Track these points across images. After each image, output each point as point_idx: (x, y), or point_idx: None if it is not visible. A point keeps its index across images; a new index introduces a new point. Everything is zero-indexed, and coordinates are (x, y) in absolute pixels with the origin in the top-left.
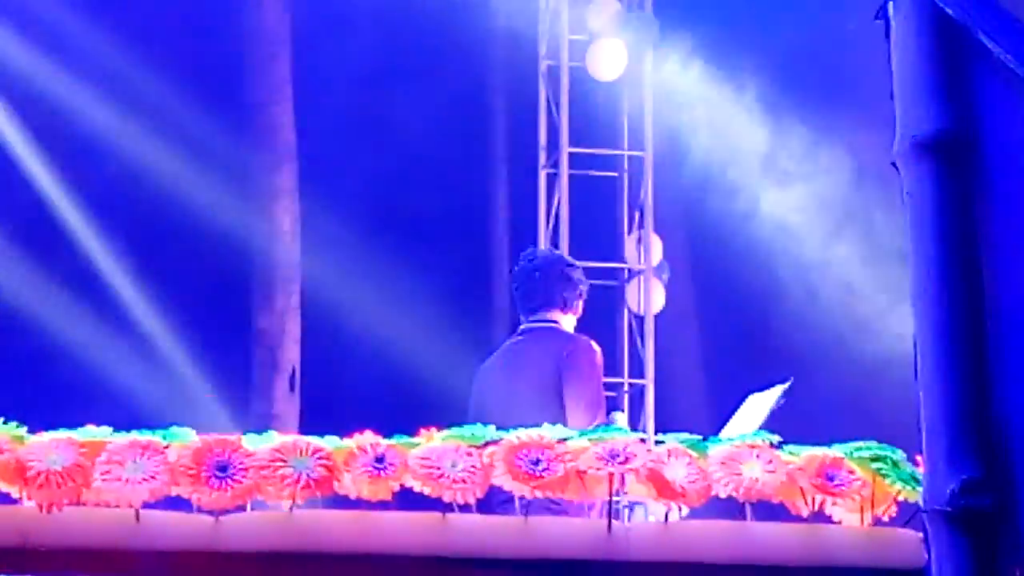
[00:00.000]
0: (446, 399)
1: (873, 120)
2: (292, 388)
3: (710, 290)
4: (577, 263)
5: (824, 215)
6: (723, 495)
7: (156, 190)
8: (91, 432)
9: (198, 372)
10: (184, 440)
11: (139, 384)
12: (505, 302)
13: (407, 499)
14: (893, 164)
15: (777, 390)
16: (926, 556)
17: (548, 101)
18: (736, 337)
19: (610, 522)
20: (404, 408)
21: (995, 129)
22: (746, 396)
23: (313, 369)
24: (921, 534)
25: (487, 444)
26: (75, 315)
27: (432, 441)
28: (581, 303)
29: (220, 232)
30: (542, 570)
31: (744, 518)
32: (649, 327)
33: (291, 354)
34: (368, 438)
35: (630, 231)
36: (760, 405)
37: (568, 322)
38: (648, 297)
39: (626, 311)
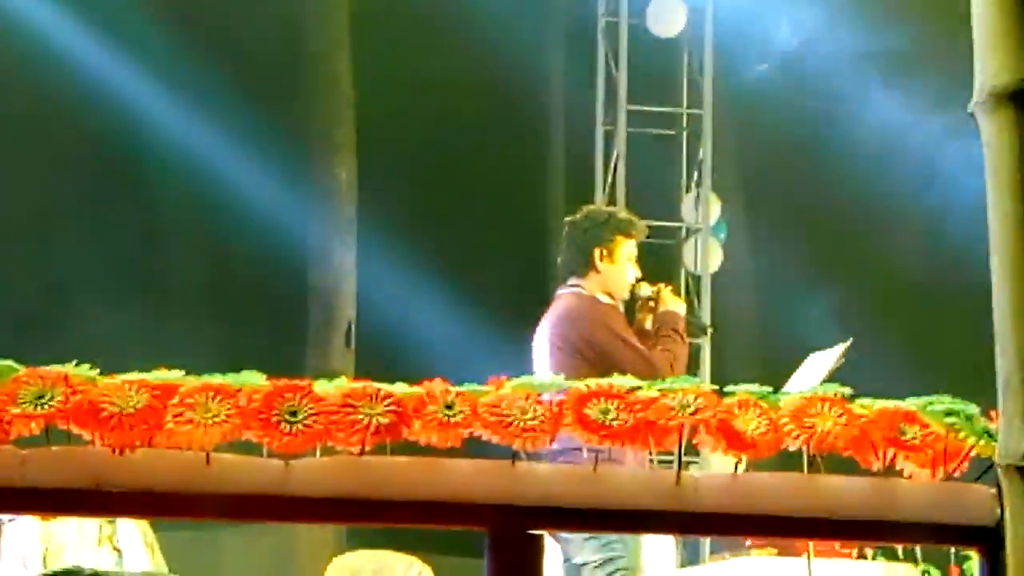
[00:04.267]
0: (499, 355)
1: (946, 70)
2: (348, 343)
3: (767, 248)
4: (608, 209)
5: (887, 175)
6: (794, 447)
7: (212, 145)
8: (163, 375)
9: (254, 328)
10: (255, 384)
11: (191, 339)
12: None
13: (476, 447)
14: (971, 114)
15: (838, 349)
16: (999, 511)
17: (606, 58)
18: (793, 296)
19: (679, 472)
20: (460, 365)
21: None
22: (807, 355)
23: (369, 325)
24: (994, 489)
25: (557, 393)
26: (135, 273)
27: (502, 389)
28: (619, 248)
29: (277, 186)
30: (610, 519)
31: (806, 471)
32: (706, 286)
33: (347, 310)
34: (438, 385)
35: (688, 190)
36: (820, 364)
37: (601, 278)
38: (705, 256)
39: (683, 270)
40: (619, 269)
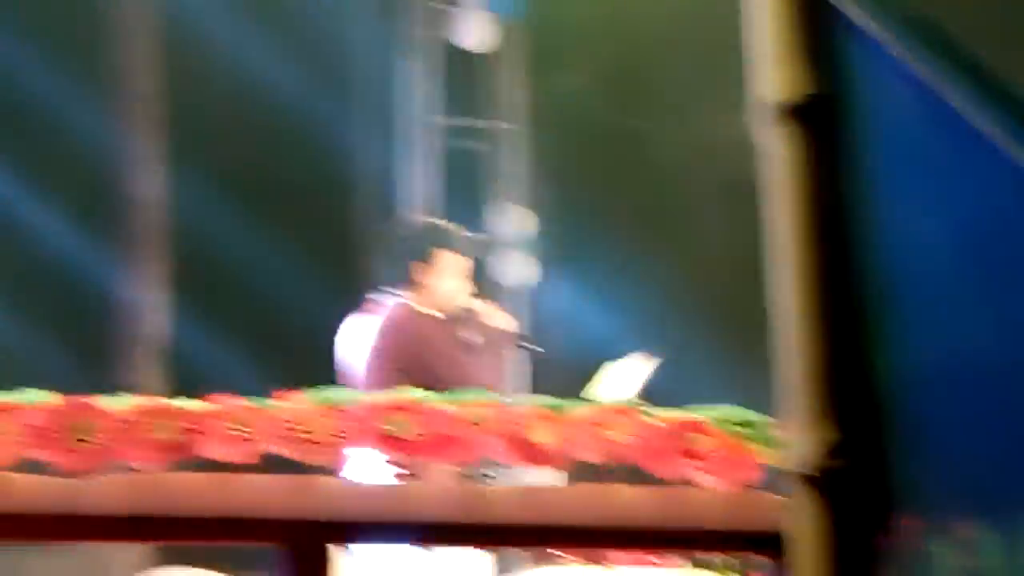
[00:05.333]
0: (312, 368)
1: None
2: (156, 358)
3: (582, 261)
4: (429, 221)
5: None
6: (586, 458)
7: (9, 153)
8: None
9: (59, 341)
10: (41, 401)
11: None
12: (374, 276)
13: (270, 462)
14: (750, 130)
15: (638, 360)
16: (787, 519)
17: (416, 73)
18: (607, 308)
19: (473, 486)
20: (272, 378)
21: (852, 92)
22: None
23: (179, 338)
24: (782, 497)
25: (349, 407)
26: None
27: (296, 404)
28: (441, 262)
29: (81, 199)
30: (406, 532)
31: (613, 481)
32: (523, 299)
33: (156, 323)
34: (229, 401)
35: (501, 203)
36: (622, 377)
37: (423, 293)
38: (520, 270)
39: (496, 283)
40: (440, 284)
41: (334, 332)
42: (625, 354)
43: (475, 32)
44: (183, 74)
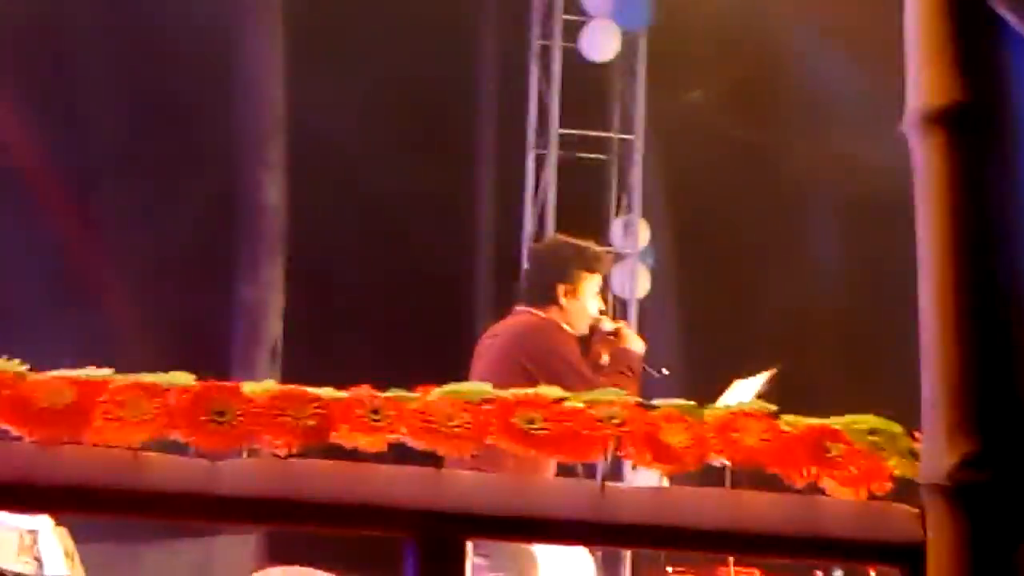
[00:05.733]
0: (428, 377)
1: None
2: (273, 359)
3: (694, 275)
4: (576, 243)
5: (812, 200)
6: (718, 462)
7: (143, 156)
8: (92, 372)
9: (179, 342)
10: (184, 383)
11: (116, 349)
12: (490, 281)
13: (402, 452)
14: (902, 136)
15: (763, 376)
16: (923, 531)
17: (539, 81)
18: (719, 323)
19: (603, 483)
20: (386, 384)
21: (1008, 101)
22: (731, 382)
23: (296, 342)
24: (917, 509)
25: (484, 402)
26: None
27: (429, 396)
28: (583, 284)
29: (206, 201)
30: (534, 528)
31: (728, 487)
32: (633, 311)
33: (274, 326)
34: (365, 390)
35: (618, 215)
36: (745, 391)
37: (562, 313)
38: (633, 281)
39: (611, 294)
40: (582, 306)
41: (448, 342)
42: (750, 371)
43: (600, 43)
44: (304, 82)
